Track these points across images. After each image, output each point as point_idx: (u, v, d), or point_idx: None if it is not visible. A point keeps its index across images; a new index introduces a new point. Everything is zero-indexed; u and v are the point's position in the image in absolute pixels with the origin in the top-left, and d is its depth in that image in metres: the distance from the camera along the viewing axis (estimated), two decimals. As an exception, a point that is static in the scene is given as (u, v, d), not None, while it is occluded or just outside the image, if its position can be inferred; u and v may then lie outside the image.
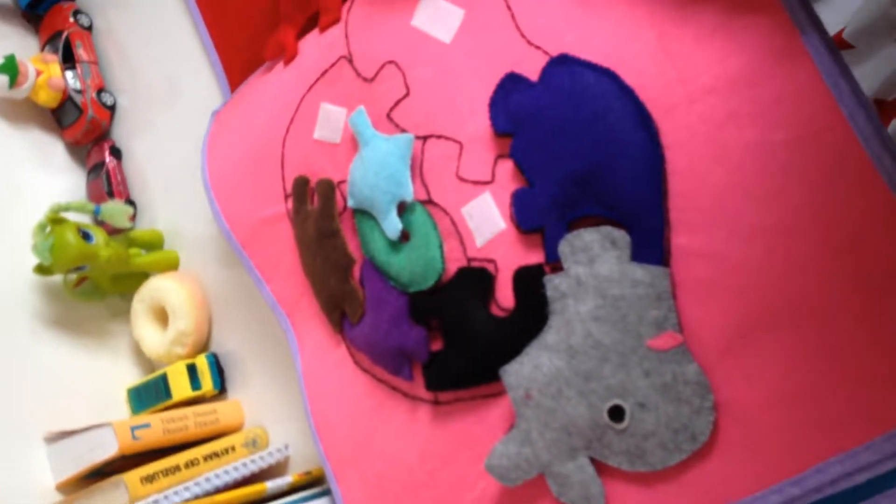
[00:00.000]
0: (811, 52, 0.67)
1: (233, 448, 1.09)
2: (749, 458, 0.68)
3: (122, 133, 1.34)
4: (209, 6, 1.18)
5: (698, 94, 0.69)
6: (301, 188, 0.94)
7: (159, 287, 1.19)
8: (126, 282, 1.24)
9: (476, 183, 0.80)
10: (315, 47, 0.95)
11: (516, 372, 0.75)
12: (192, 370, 1.15)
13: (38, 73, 1.28)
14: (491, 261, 0.79)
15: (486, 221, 0.79)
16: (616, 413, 0.71)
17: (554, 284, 0.74)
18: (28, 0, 1.35)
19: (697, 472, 0.69)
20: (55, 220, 1.12)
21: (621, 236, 0.71)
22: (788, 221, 0.67)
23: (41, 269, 1.15)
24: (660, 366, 0.69)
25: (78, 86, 1.30)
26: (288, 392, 1.10)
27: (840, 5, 1.05)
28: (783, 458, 0.67)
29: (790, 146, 0.67)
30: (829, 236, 0.66)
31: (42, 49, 1.36)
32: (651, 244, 0.71)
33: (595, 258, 0.72)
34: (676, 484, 0.70)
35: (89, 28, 1.36)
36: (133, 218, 1.26)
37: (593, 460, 0.73)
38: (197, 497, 0.99)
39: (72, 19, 1.34)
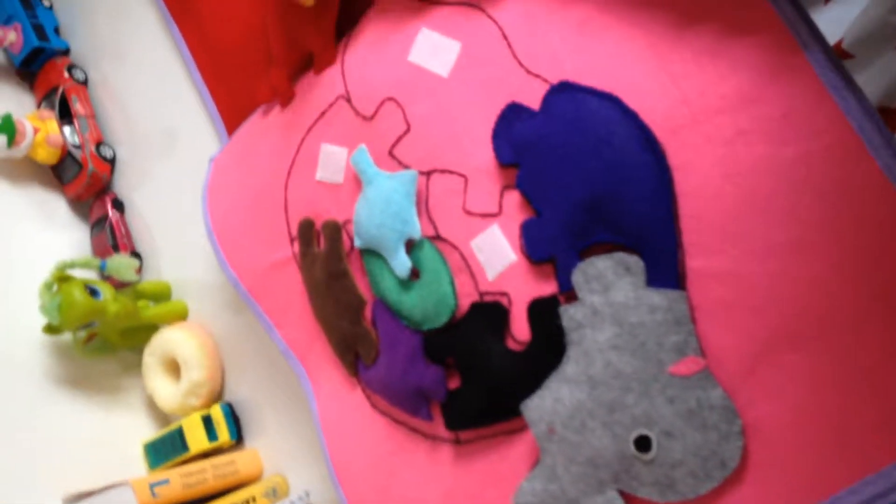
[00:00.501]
0: (814, 65, 0.66)
1: (254, 499, 1.07)
2: (781, 481, 0.66)
3: (124, 185, 1.33)
4: (203, 53, 1.18)
5: (704, 114, 0.68)
6: (307, 231, 0.93)
7: (169, 339, 1.18)
8: (136, 335, 1.23)
9: (484, 216, 0.79)
10: (312, 88, 0.94)
11: (537, 406, 0.74)
12: (207, 421, 1.13)
13: (36, 131, 1.27)
14: (504, 294, 0.78)
15: (496, 254, 0.78)
16: (642, 443, 0.69)
17: (570, 315, 0.73)
18: (22, 57, 1.35)
19: (730, 499, 0.68)
20: (61, 277, 1.11)
21: (635, 262, 0.70)
22: (804, 237, 0.65)
23: (50, 329, 1.14)
24: (683, 392, 0.68)
25: (76, 140, 1.30)
26: (305, 438, 1.08)
27: (836, 15, 1.04)
28: (815, 479, 0.65)
29: (800, 161, 0.65)
30: (846, 250, 0.64)
31: (38, 106, 1.36)
32: (665, 268, 0.69)
33: (610, 286, 0.71)
34: (710, 512, 0.68)
35: (85, 82, 1.36)
36: (139, 270, 1.25)
37: (622, 493, 0.71)
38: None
39: (66, 74, 1.33)
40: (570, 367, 0.72)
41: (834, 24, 1.01)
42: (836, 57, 0.67)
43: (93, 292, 1.12)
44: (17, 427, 1.10)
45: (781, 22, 0.67)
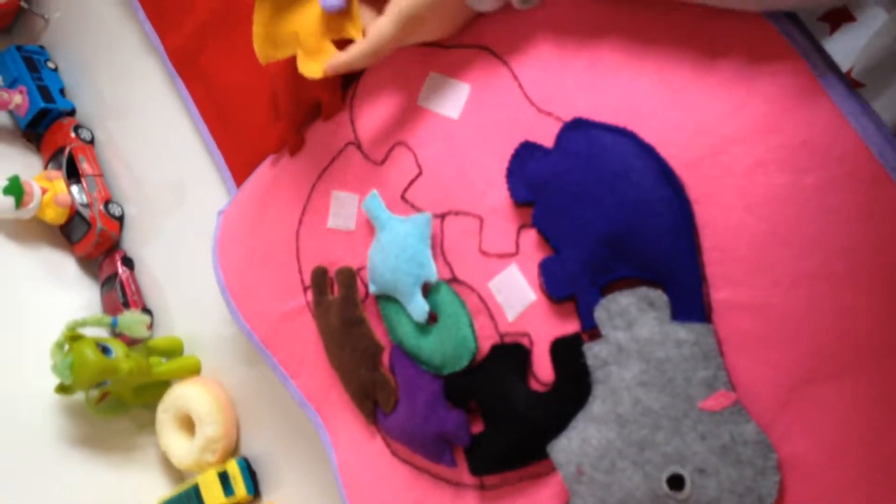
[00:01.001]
0: (830, 94, 0.65)
1: (273, 554, 1.05)
2: (821, 516, 0.64)
3: (133, 242, 1.33)
4: (209, 106, 1.18)
5: (721, 145, 0.67)
6: (320, 279, 0.92)
7: (183, 394, 1.17)
8: (149, 392, 1.21)
9: (501, 256, 0.78)
10: (321, 136, 0.94)
11: (564, 448, 0.72)
12: (223, 477, 1.11)
13: (44, 192, 1.27)
14: (525, 334, 0.76)
15: (515, 294, 0.77)
16: (675, 482, 0.68)
17: (594, 353, 0.71)
18: (28, 120, 1.35)
19: (769, 537, 0.66)
20: (73, 337, 1.10)
21: (658, 296, 0.69)
22: (830, 265, 0.64)
23: (63, 389, 1.13)
24: (716, 428, 0.66)
25: (84, 200, 1.29)
26: (324, 490, 1.07)
27: (843, 45, 1.04)
28: (857, 512, 0.64)
29: (822, 189, 0.64)
30: (874, 275, 0.63)
31: (45, 167, 1.36)
32: (690, 301, 0.68)
33: (634, 322, 0.69)
34: (748, 552, 0.66)
35: (91, 141, 1.36)
36: (150, 326, 1.24)
37: (657, 534, 0.69)
38: None
39: (73, 134, 1.34)
40: (597, 406, 0.71)
41: (841, 53, 1.00)
42: (850, 83, 0.66)
43: (105, 350, 1.11)
44: (31, 489, 1.09)
45: (796, 52, 0.67)
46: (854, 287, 0.63)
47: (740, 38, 0.68)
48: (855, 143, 0.64)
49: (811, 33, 0.68)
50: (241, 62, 1.12)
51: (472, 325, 0.79)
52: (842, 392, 0.64)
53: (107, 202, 1.30)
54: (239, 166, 1.14)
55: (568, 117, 0.75)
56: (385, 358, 0.88)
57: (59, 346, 1.10)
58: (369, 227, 0.88)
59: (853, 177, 0.64)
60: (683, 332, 0.67)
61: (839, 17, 1.04)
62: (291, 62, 0.93)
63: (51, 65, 1.41)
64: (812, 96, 0.65)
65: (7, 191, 1.21)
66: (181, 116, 1.25)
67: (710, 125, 0.68)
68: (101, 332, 1.23)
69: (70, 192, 1.29)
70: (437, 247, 0.82)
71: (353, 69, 0.82)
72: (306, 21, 0.84)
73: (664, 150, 0.69)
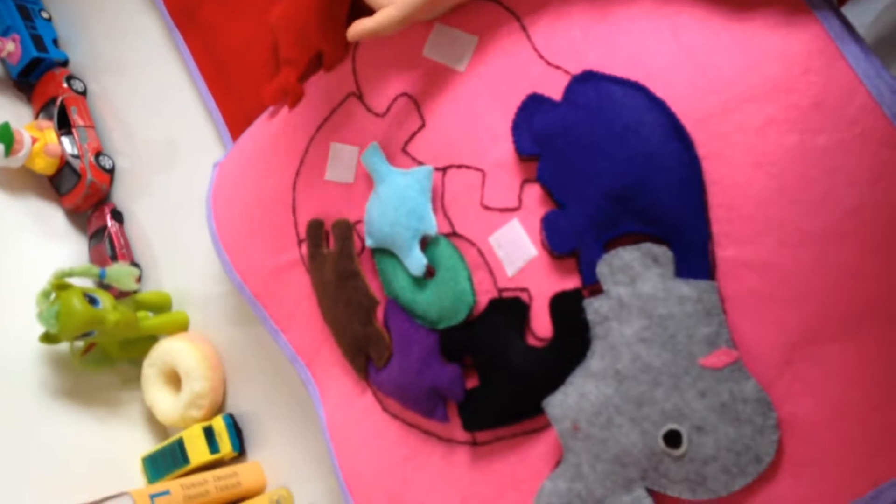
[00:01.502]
0: (846, 54, 0.65)
1: (257, 511, 1.04)
2: (819, 476, 0.64)
3: (123, 196, 1.31)
4: (207, 59, 1.16)
5: (733, 102, 0.67)
6: (316, 231, 0.91)
7: (170, 349, 1.15)
8: (135, 346, 1.20)
9: (502, 210, 0.77)
10: (321, 87, 0.92)
11: (561, 403, 0.71)
12: (209, 433, 1.10)
13: (34, 141, 1.25)
14: (524, 290, 0.76)
15: (516, 249, 0.76)
16: (672, 438, 0.67)
17: (594, 308, 0.70)
18: (19, 68, 1.33)
19: (765, 497, 0.65)
20: (60, 286, 1.08)
21: (663, 252, 0.68)
22: (838, 225, 0.64)
23: (48, 338, 1.11)
24: (715, 385, 0.66)
25: (75, 151, 1.27)
26: (310, 449, 1.06)
27: (853, 18, 1.03)
28: (855, 474, 0.63)
29: (833, 149, 0.64)
30: (882, 237, 0.63)
31: (36, 117, 1.34)
32: (695, 258, 0.67)
33: (637, 277, 0.69)
34: (743, 510, 0.66)
35: (84, 93, 1.34)
36: (139, 280, 1.22)
37: (651, 491, 0.69)
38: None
39: (65, 85, 1.31)
40: (596, 361, 0.70)
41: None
42: (867, 46, 0.66)
43: (92, 300, 1.09)
44: (12, 439, 1.07)
45: (813, 14, 0.66)
46: (861, 248, 0.63)
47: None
48: (869, 104, 0.64)
49: (829, -6, 0.67)
50: (240, 15, 1.11)
51: (470, 279, 0.78)
52: (845, 354, 0.64)
53: (98, 154, 1.28)
54: (237, 121, 1.12)
55: (577, 71, 0.74)
56: (379, 313, 0.87)
57: (46, 294, 1.08)
58: (368, 180, 0.87)
59: (865, 138, 0.63)
60: (687, 288, 0.67)
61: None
62: (294, 11, 0.92)
63: (44, 14, 1.38)
64: (827, 57, 0.65)
65: (-4, 138, 1.19)
66: (178, 70, 1.23)
67: (722, 83, 0.68)
68: (88, 284, 1.22)
69: (60, 143, 1.27)
70: (438, 200, 0.81)
71: (380, 36, 0.79)
72: None
73: (675, 106, 0.69)
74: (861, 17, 1.02)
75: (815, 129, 0.64)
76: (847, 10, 1.03)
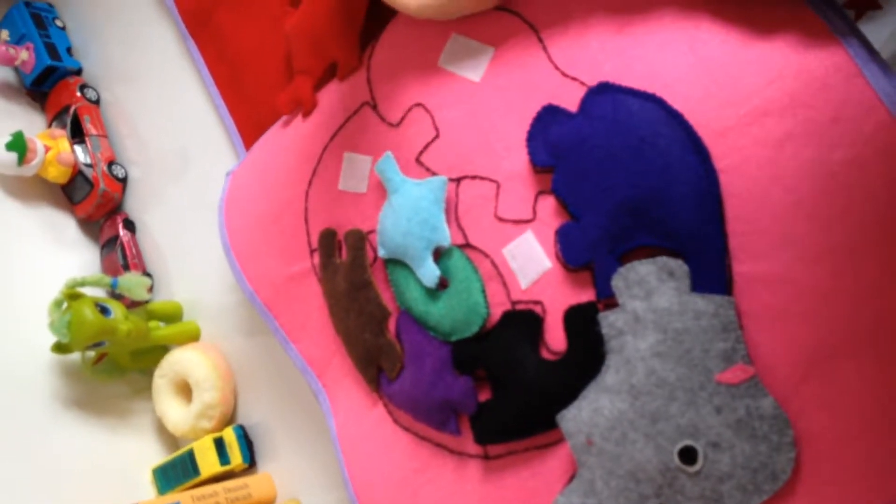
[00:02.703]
0: (864, 72, 0.64)
1: (267, 523, 1.03)
2: (836, 494, 0.63)
3: (135, 205, 1.31)
4: (220, 67, 1.16)
5: (752, 116, 0.66)
6: (328, 241, 0.91)
7: (181, 360, 1.15)
8: (146, 357, 1.20)
9: (517, 222, 0.77)
10: (335, 96, 0.92)
11: (574, 417, 0.71)
12: (219, 444, 1.10)
13: (47, 149, 1.25)
14: (538, 302, 0.75)
15: (529, 261, 0.76)
16: (687, 455, 0.66)
17: (609, 322, 0.70)
18: (33, 77, 1.33)
19: (782, 514, 0.64)
20: (71, 295, 1.08)
21: (679, 266, 0.67)
22: (855, 241, 0.63)
23: (59, 348, 1.11)
24: (732, 401, 0.65)
25: (88, 160, 1.28)
26: (320, 461, 1.05)
27: (868, 33, 1.03)
28: (872, 491, 0.63)
29: (851, 165, 0.63)
30: (900, 254, 0.62)
31: (49, 125, 1.34)
32: (711, 273, 0.66)
33: (652, 291, 0.68)
34: (759, 529, 0.65)
35: (97, 102, 1.34)
36: (151, 290, 1.22)
37: (665, 508, 0.68)
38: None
39: (79, 94, 1.32)
40: (610, 376, 0.69)
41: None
42: (885, 63, 0.65)
43: (103, 310, 1.09)
44: (23, 448, 1.07)
45: (831, 32, 0.66)
46: (878, 264, 0.63)
47: (776, 17, 0.67)
48: (887, 121, 0.63)
49: (846, 14, 0.67)
50: (254, 23, 1.11)
51: (483, 291, 0.78)
52: (862, 370, 0.63)
53: (110, 163, 1.29)
54: (250, 131, 1.12)
55: (593, 82, 0.73)
56: (391, 324, 0.86)
57: (58, 303, 1.09)
58: (381, 190, 0.86)
59: (883, 154, 0.63)
60: (703, 303, 0.66)
61: (864, 5, 1.03)
62: (309, 20, 0.91)
63: (59, 23, 1.39)
64: (846, 74, 0.64)
65: (10, 146, 1.19)
66: (191, 79, 1.23)
67: (740, 96, 0.67)
68: (100, 293, 1.22)
69: (73, 152, 1.27)
70: (452, 211, 0.81)
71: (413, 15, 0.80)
72: None
73: (692, 118, 0.68)
74: (878, 33, 1.02)
75: (833, 145, 0.64)
76: (864, 26, 1.03)
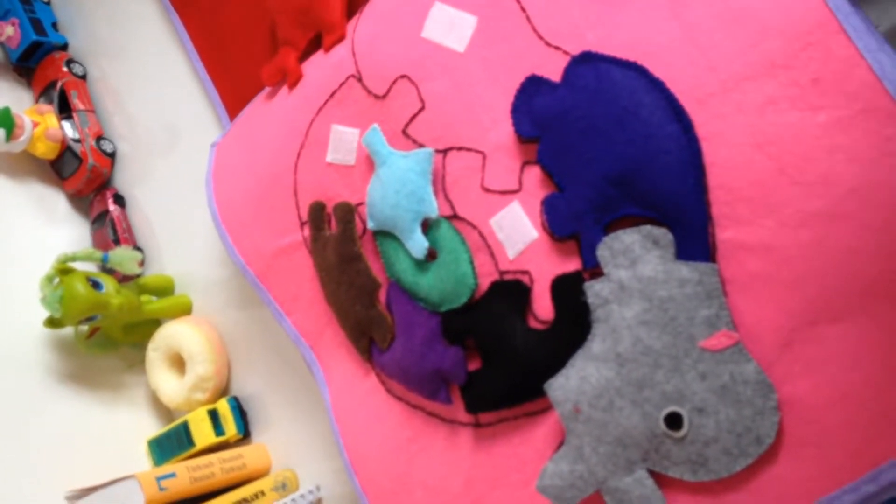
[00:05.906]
0: (847, 28, 0.63)
1: (262, 493, 1.04)
2: (819, 457, 0.64)
3: (125, 180, 1.31)
4: (204, 41, 1.16)
5: (733, 81, 0.66)
6: (318, 214, 0.91)
7: (174, 333, 1.16)
8: (139, 330, 1.20)
9: (503, 193, 0.77)
10: (321, 68, 0.92)
11: (562, 386, 0.71)
12: (213, 415, 1.11)
13: (35, 125, 1.25)
14: (525, 272, 0.76)
15: (516, 232, 0.76)
16: (673, 420, 0.67)
17: (595, 291, 0.70)
18: (19, 53, 1.33)
19: (766, 477, 0.65)
20: (63, 270, 1.08)
21: (663, 235, 0.68)
22: (839, 205, 0.63)
23: (51, 323, 1.11)
24: (716, 367, 0.66)
25: (76, 135, 1.27)
26: (314, 431, 1.06)
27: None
28: (856, 454, 0.63)
29: (833, 127, 0.63)
30: (884, 217, 0.62)
31: (36, 101, 1.34)
32: (695, 240, 0.67)
33: (637, 260, 0.69)
34: (744, 491, 0.66)
35: (83, 77, 1.34)
36: (142, 264, 1.23)
37: (652, 473, 0.69)
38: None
39: (65, 69, 1.31)
40: (597, 344, 0.70)
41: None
42: (870, 20, 0.65)
43: (95, 285, 1.09)
44: (18, 423, 1.08)
45: None
46: (863, 228, 0.63)
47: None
48: (870, 79, 0.62)
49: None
50: (239, -4, 1.10)
51: (471, 262, 0.78)
52: (846, 335, 0.63)
53: (99, 138, 1.28)
54: (235, 104, 1.12)
55: (576, 52, 0.73)
56: (382, 295, 0.87)
57: (49, 279, 1.09)
58: (369, 162, 0.87)
59: (866, 114, 0.62)
60: (687, 270, 0.67)
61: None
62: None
63: (43, -2, 1.38)
64: (827, 32, 0.64)
65: (-3, 122, 1.19)
66: (176, 53, 1.22)
67: (721, 61, 0.67)
68: (91, 268, 1.22)
69: (61, 127, 1.27)
70: (439, 183, 0.81)
71: None
72: None
73: (674, 86, 0.69)
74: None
75: (815, 107, 0.64)
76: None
